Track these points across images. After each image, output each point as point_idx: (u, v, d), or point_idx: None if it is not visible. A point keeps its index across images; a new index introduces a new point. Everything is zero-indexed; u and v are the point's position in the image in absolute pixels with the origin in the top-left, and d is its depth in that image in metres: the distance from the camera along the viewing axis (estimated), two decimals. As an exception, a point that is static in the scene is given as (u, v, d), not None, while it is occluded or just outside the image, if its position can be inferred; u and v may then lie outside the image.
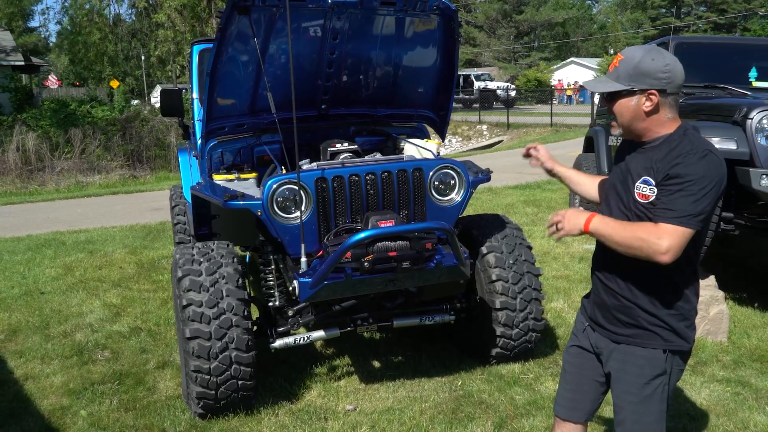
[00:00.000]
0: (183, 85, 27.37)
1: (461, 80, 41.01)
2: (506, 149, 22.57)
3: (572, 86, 48.28)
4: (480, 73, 43.92)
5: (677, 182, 2.12)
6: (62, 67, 49.83)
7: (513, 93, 40.92)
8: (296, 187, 3.77)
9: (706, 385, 4.13)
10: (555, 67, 56.99)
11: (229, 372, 3.70)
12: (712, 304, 4.88)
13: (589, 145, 8.63)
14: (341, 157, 4.31)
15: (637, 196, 2.24)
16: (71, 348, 5.08)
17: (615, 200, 2.36)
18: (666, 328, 2.28)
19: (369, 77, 4.68)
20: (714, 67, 6.81)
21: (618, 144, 2.69)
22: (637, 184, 2.25)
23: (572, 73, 54.97)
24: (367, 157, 4.38)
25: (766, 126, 4.91)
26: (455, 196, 4.12)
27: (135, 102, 29.66)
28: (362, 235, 3.50)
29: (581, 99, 45.12)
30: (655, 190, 2.18)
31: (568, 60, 59.51)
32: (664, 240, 2.09)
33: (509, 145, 24.96)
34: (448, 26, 4.36)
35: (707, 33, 50.73)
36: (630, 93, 2.21)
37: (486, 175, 4.34)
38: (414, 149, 4.65)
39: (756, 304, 5.55)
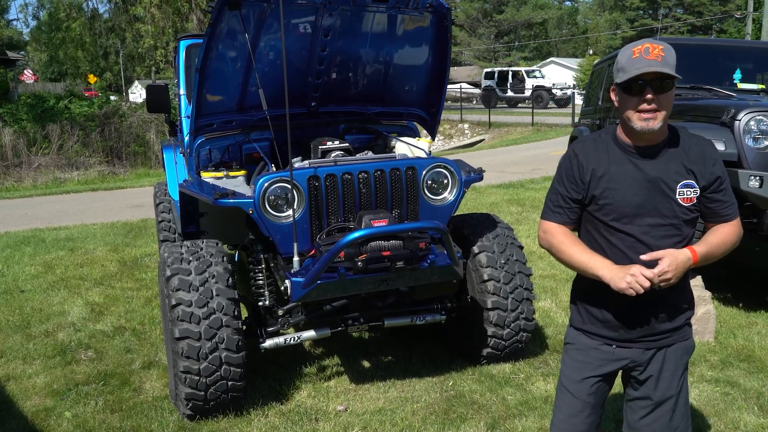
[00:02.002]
0: (162, 81, 27.02)
1: (509, 77, 38.11)
2: (488, 148, 22.63)
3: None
4: (530, 69, 39.49)
5: (724, 180, 2.28)
6: (39, 61, 48.97)
7: (569, 92, 35.48)
8: (288, 186, 3.71)
9: (696, 386, 4.15)
10: (535, 66, 57.28)
11: (218, 373, 3.64)
12: (699, 305, 4.89)
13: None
14: (333, 155, 4.26)
15: (681, 201, 2.24)
16: (54, 348, 4.98)
17: (648, 215, 2.24)
18: (690, 317, 2.41)
19: (360, 75, 4.63)
20: (697, 69, 6.85)
21: (581, 156, 2.33)
22: (678, 189, 2.23)
23: (552, 73, 55.31)
24: (358, 156, 4.34)
25: (753, 127, 4.95)
26: (448, 196, 4.09)
27: (114, 98, 29.18)
28: (356, 234, 3.46)
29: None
30: (698, 191, 2.24)
31: (548, 60, 59.85)
32: (741, 230, 2.34)
33: (491, 144, 25.03)
34: (440, 24, 4.33)
35: (684, 35, 51.34)
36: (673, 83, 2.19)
37: (478, 175, 4.31)
38: (406, 148, 4.61)
39: (741, 304, 5.59)
